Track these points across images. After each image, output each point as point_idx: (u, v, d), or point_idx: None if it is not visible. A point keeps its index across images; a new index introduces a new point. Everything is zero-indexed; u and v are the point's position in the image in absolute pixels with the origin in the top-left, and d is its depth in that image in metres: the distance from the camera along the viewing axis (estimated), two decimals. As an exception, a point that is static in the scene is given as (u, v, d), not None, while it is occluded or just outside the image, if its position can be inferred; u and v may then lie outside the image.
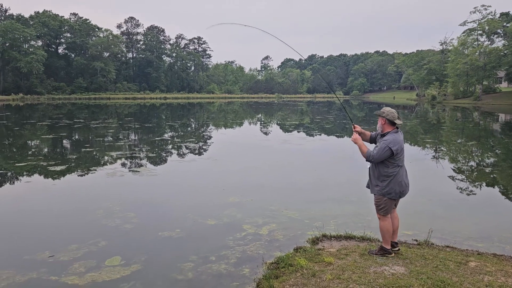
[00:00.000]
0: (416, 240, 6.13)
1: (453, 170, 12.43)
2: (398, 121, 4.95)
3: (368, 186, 5.20)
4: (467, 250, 5.76)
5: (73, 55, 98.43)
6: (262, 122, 34.78)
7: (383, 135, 5.02)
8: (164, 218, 7.38)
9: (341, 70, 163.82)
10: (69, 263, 5.33)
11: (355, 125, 5.36)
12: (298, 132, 25.24)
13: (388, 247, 5.07)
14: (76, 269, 5.17)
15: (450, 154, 16.41)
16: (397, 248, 5.18)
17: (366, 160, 4.97)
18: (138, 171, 11.50)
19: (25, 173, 11.29)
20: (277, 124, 33.35)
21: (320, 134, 23.86)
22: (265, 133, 24.69)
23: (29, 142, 18.81)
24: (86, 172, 11.53)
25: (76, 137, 20.74)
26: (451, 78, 78.26)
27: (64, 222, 7.14)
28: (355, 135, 5.16)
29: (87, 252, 5.70)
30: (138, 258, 5.49)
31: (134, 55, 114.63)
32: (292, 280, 4.46)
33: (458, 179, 11.16)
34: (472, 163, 14.58)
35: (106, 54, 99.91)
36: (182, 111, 49.74)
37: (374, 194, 5.05)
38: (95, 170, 11.74)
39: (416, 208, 8.01)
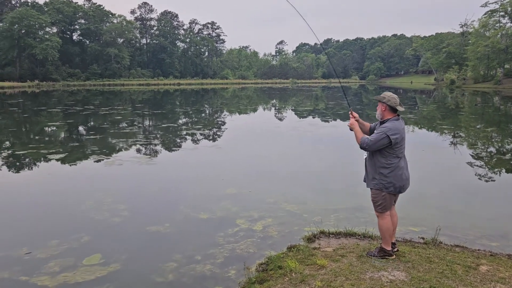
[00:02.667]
0: (423, 238, 5.60)
1: (470, 159, 11.73)
2: (400, 108, 4.41)
3: (365, 180, 4.69)
4: (478, 250, 5.21)
5: (87, 42, 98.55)
6: (274, 108, 34.19)
7: (382, 122, 4.49)
8: (155, 210, 6.99)
9: (357, 55, 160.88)
10: (45, 261, 4.99)
11: (353, 111, 4.83)
12: (311, 118, 24.64)
13: (389, 248, 4.57)
14: (51, 268, 4.83)
15: (468, 141, 15.64)
16: (395, 249, 4.69)
17: (360, 147, 4.44)
18: (138, 160, 11.14)
19: (22, 161, 11.06)
20: (290, 110, 32.74)
21: (334, 120, 23.23)
22: (276, 120, 24.15)
23: (34, 129, 18.67)
24: (84, 160, 11.24)
25: (83, 124, 20.53)
26: (471, 61, 75.98)
27: (50, 214, 6.82)
28: (352, 120, 4.65)
29: (67, 249, 5.35)
30: (119, 256, 5.12)
31: (148, 41, 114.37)
32: (278, 286, 4.02)
33: (475, 169, 10.49)
34: (491, 150, 13.84)
35: (120, 40, 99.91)
36: (195, 97, 49.37)
37: (371, 189, 4.54)
38: (95, 158, 11.42)
39: (426, 201, 7.47)
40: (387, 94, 4.46)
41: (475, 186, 8.89)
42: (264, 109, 33.34)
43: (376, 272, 4.20)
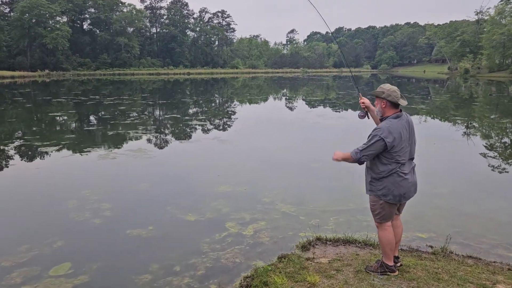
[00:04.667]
0: (431, 247, 5.01)
1: (485, 153, 11.00)
2: (402, 102, 3.77)
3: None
4: (494, 263, 4.60)
5: (97, 31, 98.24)
6: (285, 98, 33.45)
7: (381, 120, 3.88)
8: (141, 210, 6.49)
9: (369, 43, 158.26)
10: (8, 271, 4.51)
11: (362, 97, 4.22)
12: (321, 108, 23.97)
13: (391, 263, 3.99)
14: (13, 279, 4.35)
15: (482, 133, 14.86)
16: (398, 264, 4.10)
17: (357, 162, 3.77)
18: (133, 153, 10.65)
19: (13, 154, 10.63)
20: (300, 99, 32.01)
21: (345, 110, 22.50)
22: (285, 110, 23.52)
23: (34, 120, 18.31)
24: (78, 153, 10.77)
25: (84, 115, 20.14)
26: (486, 50, 73.92)
27: (28, 214, 6.33)
28: (336, 154, 3.95)
29: (36, 256, 4.87)
30: (90, 265, 4.62)
31: (158, 30, 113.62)
32: (260, 309, 3.48)
33: (491, 165, 9.74)
34: (505, 141, 13.07)
35: (130, 30, 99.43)
36: (205, 86, 48.76)
37: (369, 195, 3.96)
38: (89, 151, 10.98)
39: (435, 203, 6.83)
40: (386, 87, 3.81)
41: (491, 184, 8.21)
42: (274, 98, 32.67)
43: (375, 293, 3.63)
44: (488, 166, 9.61)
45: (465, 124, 16.80)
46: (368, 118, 4.25)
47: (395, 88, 3.82)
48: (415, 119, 17.71)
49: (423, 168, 8.87)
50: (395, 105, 3.80)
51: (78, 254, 4.95)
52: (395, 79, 68.15)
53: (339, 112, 22.03)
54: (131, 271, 4.50)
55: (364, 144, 3.73)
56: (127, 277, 4.38)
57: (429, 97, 32.23)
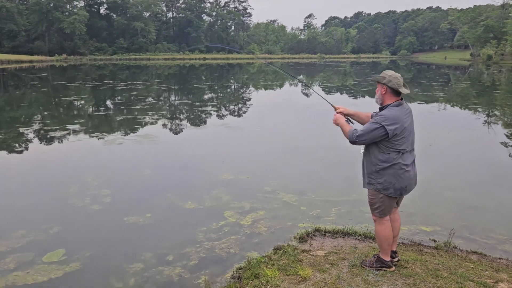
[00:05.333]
0: (434, 241, 4.82)
1: (505, 142, 10.61)
2: (404, 90, 3.56)
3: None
4: (499, 259, 4.39)
5: (114, 16, 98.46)
6: (299, 84, 33.01)
7: (381, 109, 3.68)
8: (140, 197, 6.43)
9: (389, 28, 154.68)
10: (2, 256, 4.51)
11: (337, 106, 4.04)
12: (335, 95, 23.55)
13: (387, 258, 3.82)
14: (6, 264, 4.34)
15: (503, 122, 14.35)
16: (396, 259, 3.92)
17: (350, 142, 3.65)
18: (140, 139, 10.61)
19: (21, 138, 10.71)
20: (315, 86, 31.53)
21: (362, 97, 22.09)
22: (298, 96, 23.21)
23: (46, 105, 18.46)
24: (85, 138, 10.77)
25: (96, 100, 20.22)
26: (510, 35, 71.42)
27: (29, 199, 6.32)
28: (337, 116, 3.89)
29: (31, 241, 4.86)
30: (83, 253, 4.57)
31: (174, 15, 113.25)
32: (246, 304, 3.37)
33: (510, 155, 9.37)
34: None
35: (146, 14, 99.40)
36: (220, 72, 48.52)
37: (368, 189, 3.78)
38: (96, 136, 10.98)
39: (443, 195, 6.58)
40: (388, 73, 3.61)
41: (506, 176, 7.88)
42: (290, 85, 32.28)
43: (367, 290, 3.47)
44: (509, 156, 9.25)
45: (486, 113, 16.26)
46: (353, 123, 4.03)
47: (397, 75, 3.61)
48: (433, 107, 17.28)
49: (434, 158, 8.64)
50: (396, 92, 3.59)
51: (73, 240, 4.92)
52: (415, 66, 66.70)
53: (356, 99, 21.59)
54: (123, 260, 4.44)
55: (363, 129, 3.54)
56: (119, 266, 4.32)
57: (449, 84, 31.41)
